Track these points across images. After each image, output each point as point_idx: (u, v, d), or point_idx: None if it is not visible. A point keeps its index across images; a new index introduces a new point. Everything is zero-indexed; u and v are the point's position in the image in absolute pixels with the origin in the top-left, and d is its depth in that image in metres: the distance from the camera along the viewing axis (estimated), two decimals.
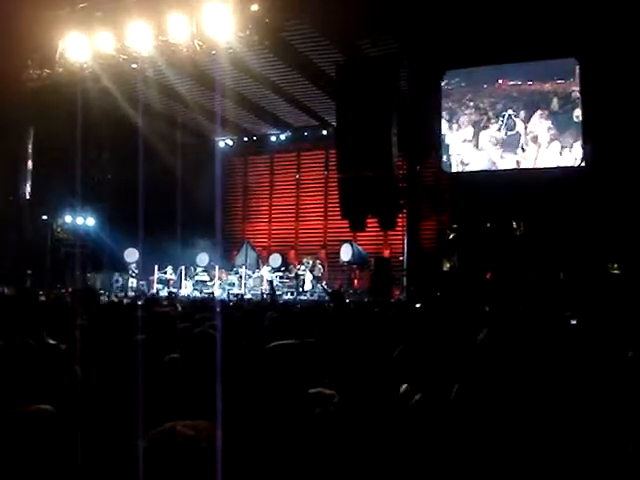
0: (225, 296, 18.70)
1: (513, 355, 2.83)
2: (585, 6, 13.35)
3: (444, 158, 16.96)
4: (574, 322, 7.04)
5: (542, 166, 15.81)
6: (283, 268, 21.13)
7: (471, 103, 16.64)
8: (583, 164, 15.31)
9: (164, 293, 18.83)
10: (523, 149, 16.02)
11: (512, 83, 16.12)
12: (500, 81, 16.26)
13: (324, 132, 21.52)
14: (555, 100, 15.69)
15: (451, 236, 17.08)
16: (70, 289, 17.13)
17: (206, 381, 2.89)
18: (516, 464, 2.45)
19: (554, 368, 3.37)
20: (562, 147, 15.63)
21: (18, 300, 7.63)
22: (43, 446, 1.98)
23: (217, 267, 20.89)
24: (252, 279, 20.76)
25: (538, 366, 3.31)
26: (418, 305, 11.20)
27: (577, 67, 15.28)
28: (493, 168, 16.38)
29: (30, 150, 19.42)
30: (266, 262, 21.57)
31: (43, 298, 10.18)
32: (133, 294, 18.60)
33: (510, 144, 16.19)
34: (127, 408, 2.76)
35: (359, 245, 19.93)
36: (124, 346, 3.85)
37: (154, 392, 2.94)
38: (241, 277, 20.63)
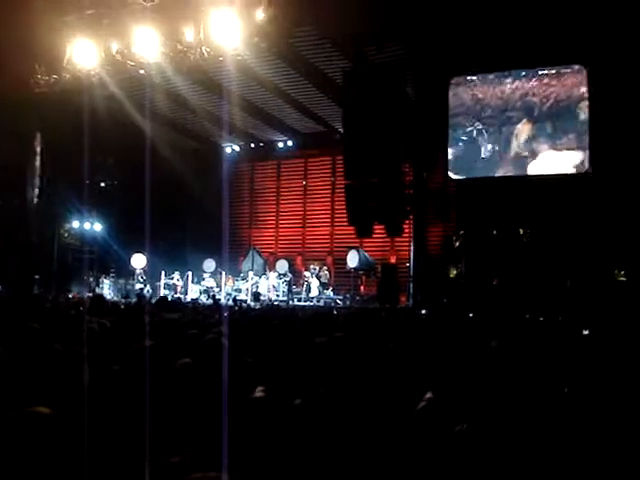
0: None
1: (525, 363, 2.82)
2: (592, 12, 13.33)
3: (450, 165, 16.93)
4: (586, 332, 6.94)
5: (548, 173, 15.76)
6: (289, 274, 21.13)
7: (477, 109, 16.60)
8: (590, 171, 15.26)
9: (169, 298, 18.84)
10: (529, 156, 15.97)
11: (517, 89, 16.08)
12: (506, 87, 16.23)
13: (331, 138, 21.43)
14: (563, 106, 15.64)
15: (457, 243, 17.04)
16: (77, 295, 17.16)
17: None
18: (529, 472, 2.44)
19: (565, 375, 3.35)
20: (569, 154, 15.58)
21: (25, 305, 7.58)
22: (40, 448, 1.96)
23: (224, 273, 20.92)
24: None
25: (549, 374, 3.29)
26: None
27: (585, 73, 15.25)
28: (499, 175, 16.34)
29: (38, 155, 19.46)
30: (273, 268, 21.56)
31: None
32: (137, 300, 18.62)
33: (516, 150, 16.14)
34: (134, 414, 2.76)
35: (366, 251, 19.91)
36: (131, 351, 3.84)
37: (162, 398, 2.93)
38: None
